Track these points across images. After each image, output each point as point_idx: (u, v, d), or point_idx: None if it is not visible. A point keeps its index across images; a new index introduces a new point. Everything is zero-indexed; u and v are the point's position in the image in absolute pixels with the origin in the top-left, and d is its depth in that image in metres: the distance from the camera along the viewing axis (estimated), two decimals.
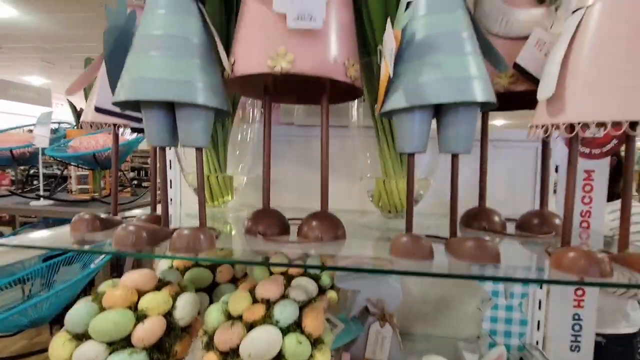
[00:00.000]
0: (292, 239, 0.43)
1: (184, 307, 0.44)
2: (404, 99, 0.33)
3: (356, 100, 0.58)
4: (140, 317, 0.41)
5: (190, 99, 0.34)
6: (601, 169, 0.62)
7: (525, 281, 0.49)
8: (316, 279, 0.56)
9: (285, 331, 0.39)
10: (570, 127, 0.32)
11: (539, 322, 0.64)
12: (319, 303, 0.45)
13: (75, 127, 2.11)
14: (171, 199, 0.73)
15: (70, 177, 2.26)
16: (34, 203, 1.63)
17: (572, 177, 0.33)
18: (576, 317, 0.64)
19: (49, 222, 2.00)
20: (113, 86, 0.36)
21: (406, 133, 0.36)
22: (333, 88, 0.42)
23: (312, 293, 0.52)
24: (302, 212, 0.66)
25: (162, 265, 0.59)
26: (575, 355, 0.65)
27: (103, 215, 0.44)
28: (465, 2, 0.35)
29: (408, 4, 0.36)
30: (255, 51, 0.36)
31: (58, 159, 1.98)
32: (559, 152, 0.60)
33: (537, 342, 0.64)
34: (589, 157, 0.61)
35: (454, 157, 0.37)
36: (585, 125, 0.31)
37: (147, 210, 0.49)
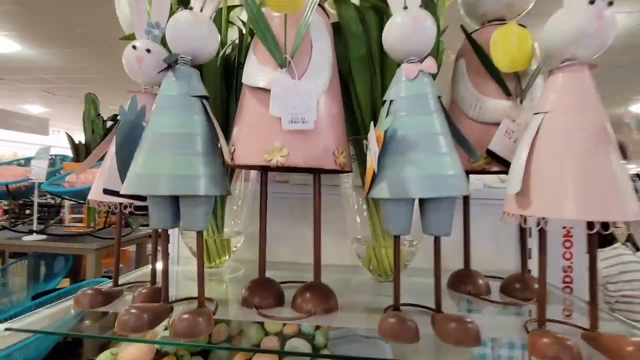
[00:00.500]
0: (286, 309, 0.45)
1: None
2: (388, 191, 0.37)
3: None
4: None
5: (193, 192, 0.37)
6: (580, 224, 0.66)
7: None
8: (310, 339, 0.58)
9: None
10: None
11: None
12: None
13: (73, 160, 2.13)
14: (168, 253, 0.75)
15: (64, 206, 2.24)
16: (26, 238, 1.62)
17: (542, 264, 0.36)
18: None
19: (38, 255, 1.97)
20: (122, 175, 0.39)
21: (391, 218, 0.39)
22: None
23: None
24: (297, 268, 0.68)
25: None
26: None
27: (104, 289, 0.46)
28: (440, 102, 0.40)
29: (391, 102, 0.40)
30: (253, 145, 0.40)
31: (54, 194, 1.98)
32: None
33: None
34: None
35: (436, 238, 0.40)
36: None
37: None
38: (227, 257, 0.62)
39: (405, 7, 0.39)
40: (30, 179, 1.82)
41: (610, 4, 0.34)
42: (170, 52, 0.43)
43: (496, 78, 0.45)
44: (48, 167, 1.88)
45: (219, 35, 0.43)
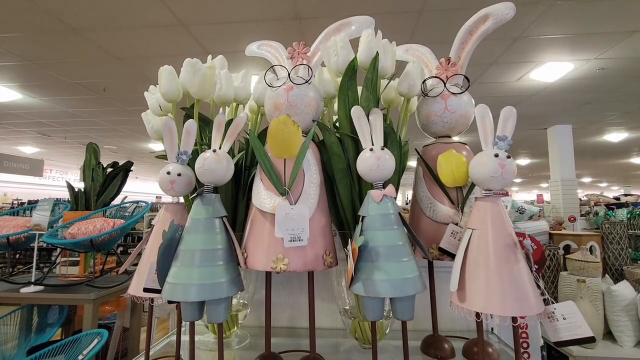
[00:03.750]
0: None
1: None
2: (363, 290, 0.50)
3: None
4: None
5: (217, 296, 0.49)
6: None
7: None
8: None
9: None
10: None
11: None
12: None
13: (72, 208, 2.19)
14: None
15: (56, 250, 2.24)
16: (24, 290, 1.64)
17: (481, 345, 0.49)
18: None
19: (32, 305, 1.98)
20: (161, 279, 0.51)
21: (367, 308, 0.51)
22: None
23: None
24: (295, 334, 0.78)
25: None
26: None
27: None
28: (401, 216, 0.54)
29: (363, 217, 0.54)
30: (262, 255, 0.53)
31: (55, 245, 2.03)
32: None
33: None
34: None
35: (403, 322, 0.53)
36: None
37: None
38: (235, 328, 0.72)
39: (372, 149, 0.54)
40: (31, 231, 1.88)
41: (509, 157, 0.49)
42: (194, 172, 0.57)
43: (443, 189, 0.60)
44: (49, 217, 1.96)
45: (233, 165, 0.57)
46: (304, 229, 0.51)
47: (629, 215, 3.56)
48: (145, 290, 0.55)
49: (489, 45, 2.69)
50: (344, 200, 0.65)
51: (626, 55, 2.92)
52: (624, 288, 1.93)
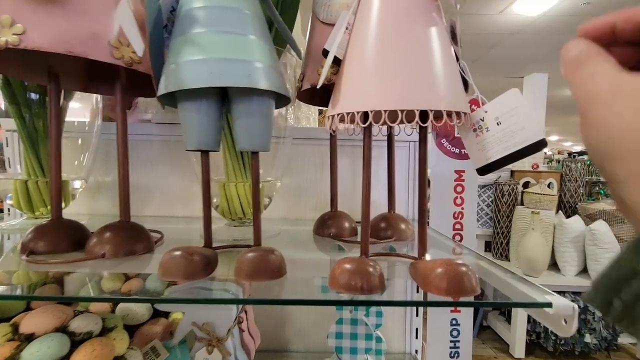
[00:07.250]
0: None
1: None
2: (164, 85, 0.28)
3: None
4: None
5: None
6: (471, 168, 0.61)
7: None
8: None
9: None
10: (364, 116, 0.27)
11: (417, 329, 0.62)
12: (106, 338, 0.37)
13: None
14: None
15: None
16: None
17: (366, 171, 0.29)
18: (454, 322, 0.63)
19: None
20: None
21: (185, 126, 0.30)
22: (133, 78, 0.35)
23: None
24: (170, 222, 0.58)
25: None
26: None
27: None
28: None
29: None
30: None
31: None
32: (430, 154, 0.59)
33: (415, 351, 0.61)
34: (459, 157, 0.60)
35: (254, 154, 0.32)
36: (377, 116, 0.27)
37: None
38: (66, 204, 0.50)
39: None
40: None
41: None
42: None
43: None
44: None
45: None
46: None
47: (589, 162, 3.60)
48: None
49: None
50: None
51: None
52: (575, 221, 1.92)
